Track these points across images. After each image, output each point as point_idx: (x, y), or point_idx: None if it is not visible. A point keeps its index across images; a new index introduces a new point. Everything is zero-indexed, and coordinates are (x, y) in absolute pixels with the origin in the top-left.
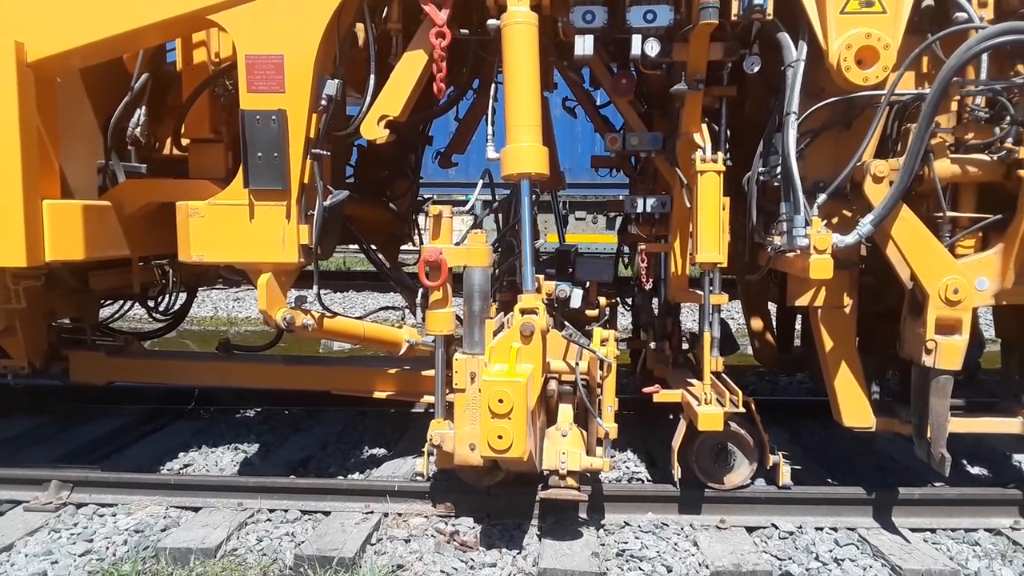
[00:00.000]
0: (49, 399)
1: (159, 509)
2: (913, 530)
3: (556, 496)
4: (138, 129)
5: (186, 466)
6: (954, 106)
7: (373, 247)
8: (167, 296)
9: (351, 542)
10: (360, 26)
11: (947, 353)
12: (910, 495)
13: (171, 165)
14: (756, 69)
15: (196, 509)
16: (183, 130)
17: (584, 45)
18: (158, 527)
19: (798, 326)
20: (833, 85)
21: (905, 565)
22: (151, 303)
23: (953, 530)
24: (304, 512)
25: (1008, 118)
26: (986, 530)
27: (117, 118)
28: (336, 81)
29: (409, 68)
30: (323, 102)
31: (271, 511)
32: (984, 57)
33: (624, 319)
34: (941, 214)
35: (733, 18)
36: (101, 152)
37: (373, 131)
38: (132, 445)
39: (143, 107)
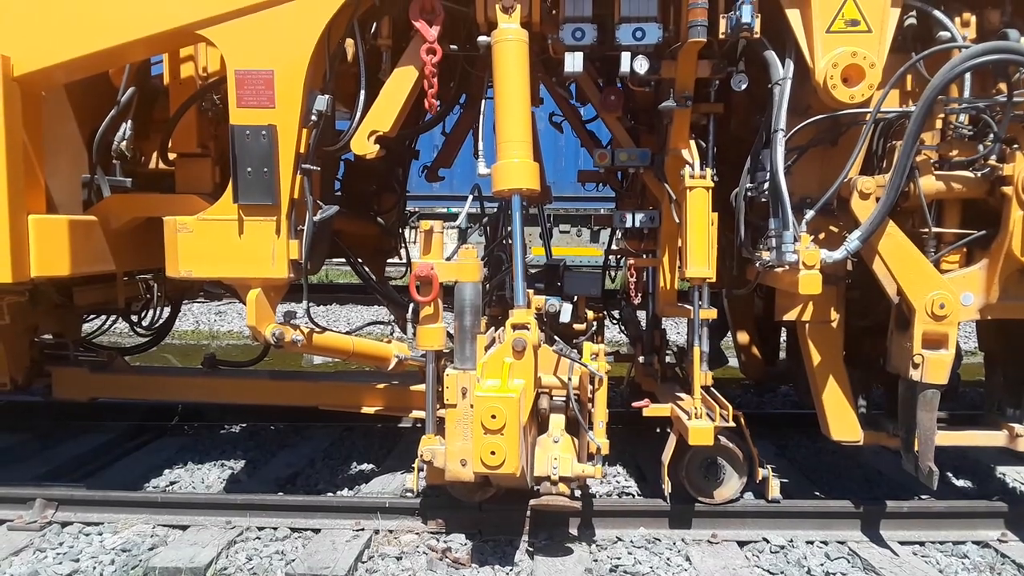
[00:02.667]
0: (31, 416)
1: (146, 527)
2: (902, 543)
3: (548, 504)
4: (124, 143)
5: (172, 483)
6: (938, 124)
7: (360, 261)
8: (151, 311)
9: (342, 560)
10: (350, 42)
11: (934, 367)
12: (898, 508)
13: (157, 180)
14: (744, 87)
15: (184, 527)
16: (170, 144)
17: (574, 62)
18: (145, 546)
19: (783, 339)
20: (819, 103)
21: None
22: (134, 318)
23: (941, 543)
24: (294, 530)
25: (991, 135)
26: (974, 542)
27: (103, 132)
28: (326, 96)
29: (400, 84)
30: (313, 117)
31: (260, 529)
32: (967, 76)
33: (611, 332)
34: (927, 230)
35: (721, 36)
36: (86, 166)
37: (363, 146)
38: (116, 462)
39: (129, 121)
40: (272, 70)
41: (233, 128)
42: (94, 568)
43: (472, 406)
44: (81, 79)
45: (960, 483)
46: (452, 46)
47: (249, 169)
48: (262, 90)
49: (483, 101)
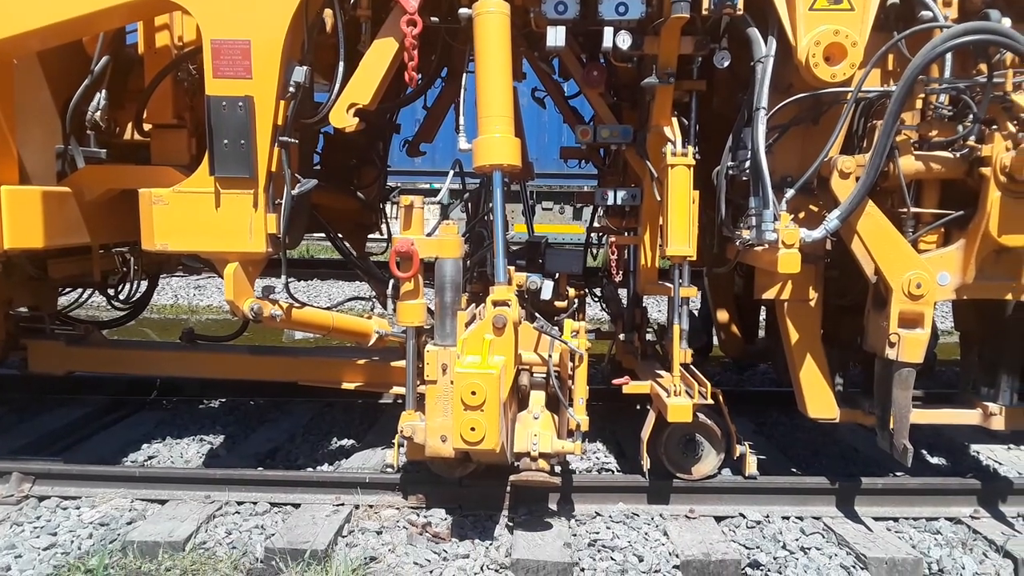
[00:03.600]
0: (7, 389)
1: (124, 502)
2: (876, 519)
3: (528, 479)
4: (98, 113)
5: (150, 458)
6: (919, 104)
7: (340, 236)
8: (128, 284)
9: (322, 534)
10: (329, 12)
11: (910, 346)
12: (873, 485)
13: (133, 151)
14: (726, 64)
15: (162, 502)
16: (145, 115)
17: (556, 36)
18: (124, 520)
19: (763, 318)
20: (801, 81)
21: (869, 553)
22: (111, 291)
23: (915, 519)
24: (273, 504)
25: (971, 116)
26: (947, 519)
27: (76, 102)
28: (304, 68)
29: (379, 56)
30: (291, 89)
31: (240, 503)
32: (948, 56)
33: (592, 310)
34: (905, 210)
35: (704, 12)
36: (60, 137)
37: (342, 119)
38: (94, 436)
39: (103, 91)
40: (249, 40)
41: (209, 99)
42: (72, 542)
43: (452, 382)
44: (54, 47)
45: (934, 461)
46: (433, 18)
47: (226, 141)
48: (239, 60)
49: (465, 75)
